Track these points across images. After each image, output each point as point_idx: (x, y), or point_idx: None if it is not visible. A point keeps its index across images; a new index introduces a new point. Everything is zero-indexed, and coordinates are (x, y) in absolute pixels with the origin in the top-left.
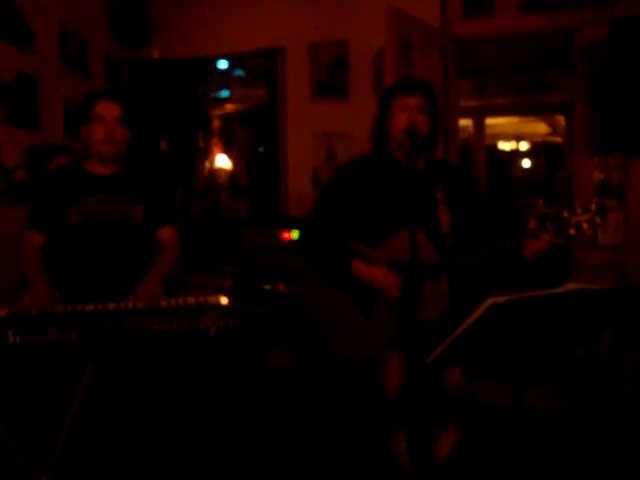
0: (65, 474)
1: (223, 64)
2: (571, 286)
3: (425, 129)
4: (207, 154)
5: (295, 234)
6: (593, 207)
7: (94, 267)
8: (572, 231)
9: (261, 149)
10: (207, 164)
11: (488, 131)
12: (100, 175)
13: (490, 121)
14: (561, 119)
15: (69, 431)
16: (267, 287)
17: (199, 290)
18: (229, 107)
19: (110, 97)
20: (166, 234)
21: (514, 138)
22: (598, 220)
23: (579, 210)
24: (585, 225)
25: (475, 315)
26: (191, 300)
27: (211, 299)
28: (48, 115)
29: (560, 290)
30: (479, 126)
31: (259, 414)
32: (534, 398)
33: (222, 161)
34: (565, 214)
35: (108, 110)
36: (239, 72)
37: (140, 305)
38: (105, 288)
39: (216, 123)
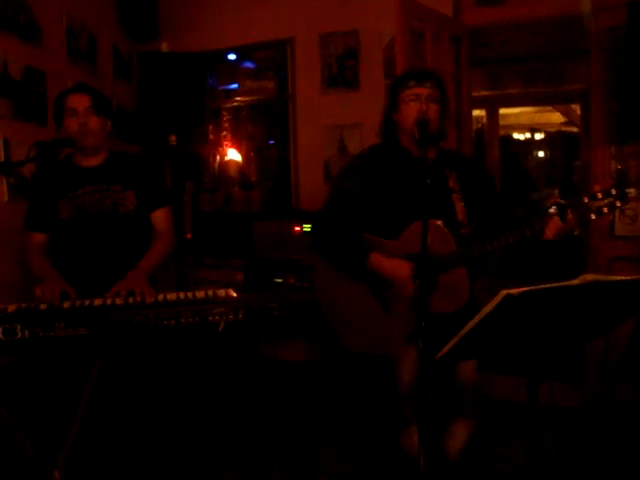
0: (75, 469)
1: (232, 56)
2: (588, 278)
3: (436, 119)
4: (217, 147)
5: (307, 227)
6: (613, 192)
7: (89, 260)
8: (593, 216)
9: (271, 142)
10: (217, 157)
11: (502, 121)
12: (86, 167)
13: (504, 111)
14: (577, 108)
15: (79, 426)
16: (278, 281)
17: (210, 284)
18: (239, 100)
19: (79, 90)
20: (159, 219)
21: (529, 128)
22: (619, 204)
23: (599, 195)
24: (606, 209)
25: (488, 307)
26: (200, 294)
27: (220, 293)
28: None
29: (576, 282)
30: (493, 116)
31: (269, 408)
32: (550, 393)
33: (232, 154)
34: (585, 200)
35: (78, 102)
36: (248, 64)
37: (125, 300)
38: (101, 280)
39: (226, 116)
